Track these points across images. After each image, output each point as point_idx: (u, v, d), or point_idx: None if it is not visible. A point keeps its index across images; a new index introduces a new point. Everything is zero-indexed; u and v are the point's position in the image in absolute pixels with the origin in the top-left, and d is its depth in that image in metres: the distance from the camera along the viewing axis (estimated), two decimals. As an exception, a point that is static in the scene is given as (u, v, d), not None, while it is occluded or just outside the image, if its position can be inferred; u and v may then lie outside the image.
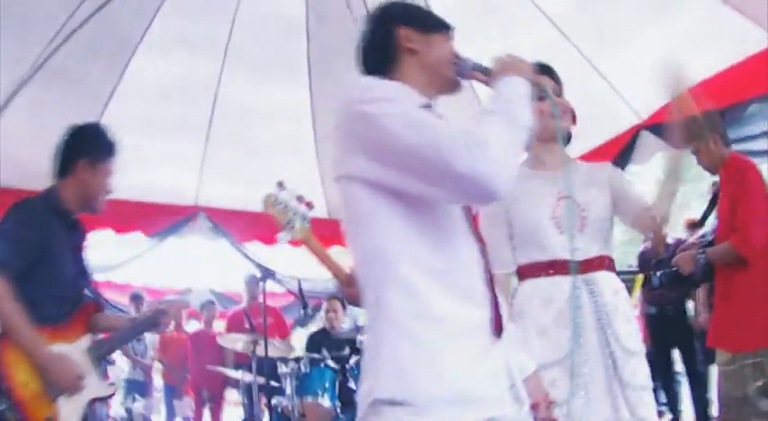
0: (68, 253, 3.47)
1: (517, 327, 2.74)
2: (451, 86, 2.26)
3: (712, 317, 4.72)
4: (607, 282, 2.99)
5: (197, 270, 13.64)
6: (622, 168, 5.68)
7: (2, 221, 3.36)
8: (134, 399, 8.86)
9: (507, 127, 1.88)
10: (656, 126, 5.55)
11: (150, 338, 10.59)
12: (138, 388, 9.87)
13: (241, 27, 6.24)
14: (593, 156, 5.89)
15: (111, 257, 8.13)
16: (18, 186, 5.79)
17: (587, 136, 5.80)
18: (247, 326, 6.84)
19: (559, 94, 2.99)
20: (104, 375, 6.59)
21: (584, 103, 5.55)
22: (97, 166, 3.47)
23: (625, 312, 3.00)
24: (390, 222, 1.92)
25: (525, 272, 3.05)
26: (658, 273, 5.17)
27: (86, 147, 3.53)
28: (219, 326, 10.33)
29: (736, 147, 4.87)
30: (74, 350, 3.35)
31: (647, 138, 5.83)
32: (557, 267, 2.94)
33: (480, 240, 2.09)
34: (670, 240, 6.70)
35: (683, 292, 6.96)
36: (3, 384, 3.10)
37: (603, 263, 3.00)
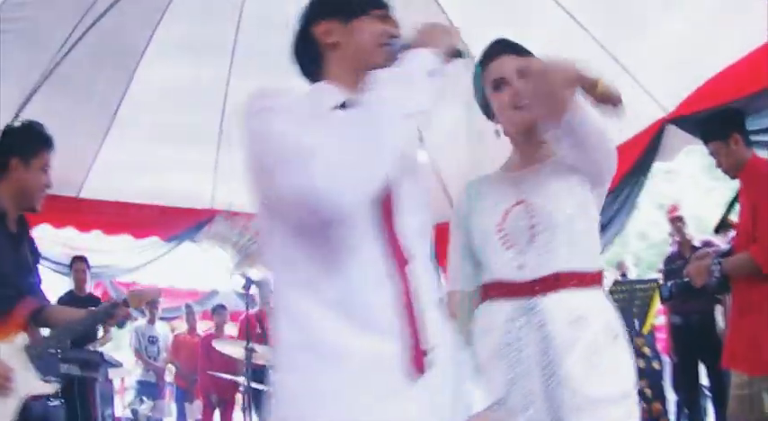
0: (7, 251, 3.39)
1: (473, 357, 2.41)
2: None
3: (727, 334, 4.31)
4: (563, 306, 2.28)
5: (222, 271, 13.28)
6: (648, 166, 5.50)
7: None
8: (141, 401, 8.76)
9: (366, 124, 1.67)
10: (681, 119, 5.26)
11: (164, 340, 10.60)
12: (150, 390, 9.82)
13: (246, 29, 6.16)
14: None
15: (129, 261, 8.19)
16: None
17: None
18: (259, 330, 6.78)
19: (524, 75, 2.31)
20: (106, 378, 6.56)
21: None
22: (30, 163, 3.41)
23: (592, 345, 2.24)
24: (282, 245, 1.76)
25: (480, 293, 2.45)
26: (669, 283, 4.94)
27: (17, 144, 3.47)
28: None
29: (758, 137, 4.55)
30: (7, 348, 3.25)
31: (672, 132, 5.45)
32: (499, 289, 2.37)
33: (403, 262, 1.79)
34: (697, 243, 6.48)
35: (711, 301, 6.32)
36: None
37: (564, 281, 2.29)
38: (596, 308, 2.29)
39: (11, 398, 3.21)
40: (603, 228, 5.81)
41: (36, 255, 3.72)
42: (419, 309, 1.75)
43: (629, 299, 5.51)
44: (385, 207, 1.78)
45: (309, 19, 2.05)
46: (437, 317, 1.84)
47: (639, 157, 5.54)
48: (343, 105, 1.85)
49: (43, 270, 4.40)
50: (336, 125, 1.68)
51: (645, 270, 12.42)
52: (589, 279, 2.31)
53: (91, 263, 7.72)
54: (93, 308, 4.00)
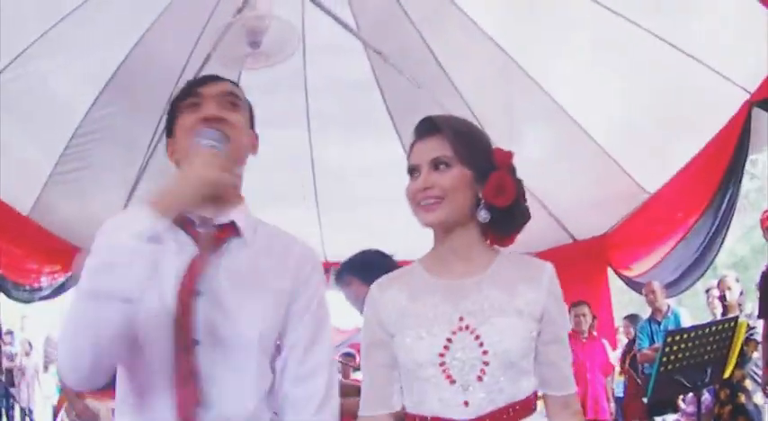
0: None
1: None
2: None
3: None
4: None
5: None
6: (743, 163, 5.18)
7: None
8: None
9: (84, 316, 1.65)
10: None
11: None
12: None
13: (315, 94, 6.52)
14: (708, 158, 5.49)
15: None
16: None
17: (697, 129, 5.53)
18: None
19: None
20: None
21: (678, 94, 5.40)
22: None
23: None
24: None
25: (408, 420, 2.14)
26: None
27: None
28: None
29: None
30: None
31: (760, 117, 5.02)
32: None
33: (193, 402, 1.78)
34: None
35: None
36: None
37: (507, 414, 2.06)
38: None
39: None
40: (704, 249, 5.62)
41: None
42: None
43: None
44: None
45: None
46: None
47: (733, 155, 5.17)
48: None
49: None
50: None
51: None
52: (529, 406, 2.11)
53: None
54: None
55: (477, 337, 2.04)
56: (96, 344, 1.64)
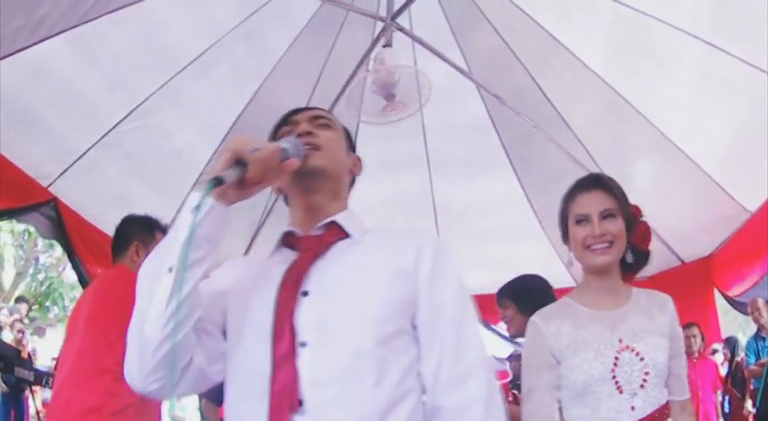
0: None
1: None
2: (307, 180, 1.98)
3: None
4: None
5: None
6: None
7: None
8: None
9: (137, 306, 1.72)
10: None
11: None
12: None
13: (433, 137, 6.88)
14: None
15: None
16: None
17: None
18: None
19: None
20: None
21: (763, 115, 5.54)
22: None
23: None
24: None
25: None
26: None
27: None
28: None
29: None
30: None
31: None
32: None
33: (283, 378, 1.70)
34: None
35: None
36: None
37: (660, 415, 2.58)
38: None
39: None
40: None
41: None
42: None
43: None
44: None
45: None
46: None
47: None
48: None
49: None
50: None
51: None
52: (669, 409, 2.65)
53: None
54: None
55: (638, 354, 2.58)
56: (144, 333, 1.68)
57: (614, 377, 2.57)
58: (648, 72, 5.73)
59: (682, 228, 6.68)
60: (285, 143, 1.87)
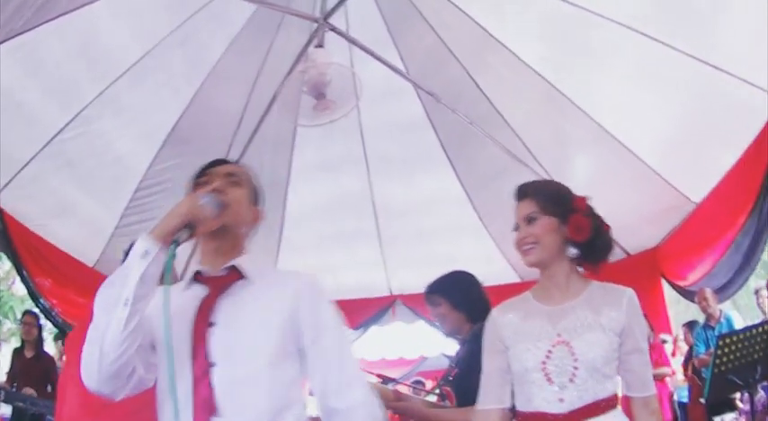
0: None
1: None
2: (206, 226, 2.25)
3: None
4: None
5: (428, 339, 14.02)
6: None
7: None
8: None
9: (96, 323, 2.07)
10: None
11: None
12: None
13: (371, 137, 6.86)
14: (747, 163, 5.62)
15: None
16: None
17: (736, 136, 5.69)
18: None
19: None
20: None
21: (713, 106, 5.58)
22: None
23: None
24: None
25: (518, 417, 2.74)
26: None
27: None
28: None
29: None
30: None
31: None
32: (538, 420, 2.64)
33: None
34: None
35: None
36: None
37: (594, 409, 2.60)
38: None
39: None
40: (749, 252, 5.87)
41: None
42: None
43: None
44: None
45: None
46: None
47: None
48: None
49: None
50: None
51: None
52: (612, 403, 2.63)
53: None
54: None
55: (571, 349, 2.62)
56: (103, 348, 2.06)
57: (544, 369, 2.64)
58: (585, 66, 5.76)
59: (626, 221, 6.70)
60: (202, 199, 2.22)
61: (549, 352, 2.65)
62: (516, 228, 2.78)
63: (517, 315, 2.79)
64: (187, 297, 2.30)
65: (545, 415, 2.62)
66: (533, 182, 2.92)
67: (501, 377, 2.78)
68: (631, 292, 2.72)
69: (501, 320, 2.82)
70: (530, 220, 2.74)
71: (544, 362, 2.65)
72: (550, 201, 2.75)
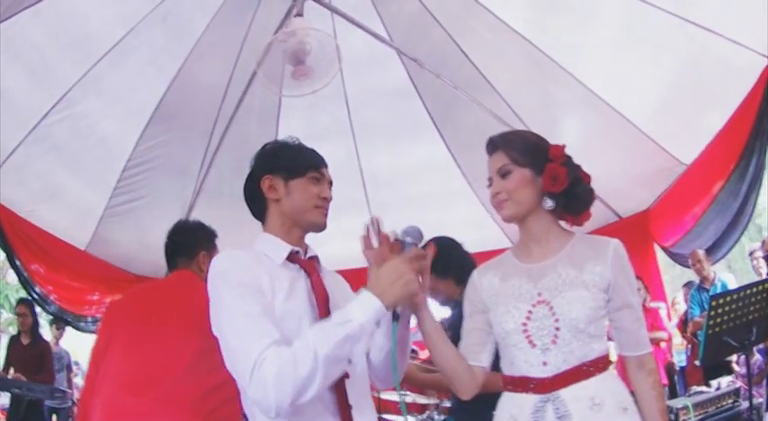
0: None
1: None
2: (317, 229, 2.44)
3: None
4: (582, 396, 2.45)
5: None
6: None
7: None
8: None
9: (304, 359, 2.01)
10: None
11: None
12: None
13: (356, 105, 6.80)
14: (735, 124, 5.60)
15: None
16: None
17: (725, 97, 5.66)
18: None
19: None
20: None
21: (702, 67, 5.53)
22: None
23: None
24: None
25: (504, 381, 2.63)
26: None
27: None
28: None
29: None
30: None
31: None
32: (524, 384, 2.53)
33: None
34: None
35: None
36: None
37: (581, 373, 2.47)
38: (608, 390, 2.45)
39: None
40: (736, 214, 5.86)
41: None
42: None
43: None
44: None
45: (258, 170, 2.44)
46: None
47: (756, 117, 5.35)
48: (289, 257, 2.33)
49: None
50: (299, 342, 2.06)
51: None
52: (601, 365, 2.48)
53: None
54: None
55: (552, 309, 2.48)
56: (307, 394, 2.04)
57: (525, 331, 2.51)
58: (571, 28, 5.67)
59: (617, 184, 6.71)
60: (410, 238, 2.39)
61: (530, 312, 2.52)
62: (490, 184, 2.63)
63: (497, 275, 2.69)
64: (291, 276, 2.33)
65: (529, 379, 2.51)
66: (504, 133, 2.73)
67: (479, 336, 2.67)
68: (617, 243, 2.54)
69: (480, 281, 2.72)
70: (503, 174, 2.58)
71: (525, 324, 2.52)
72: (523, 152, 2.60)
